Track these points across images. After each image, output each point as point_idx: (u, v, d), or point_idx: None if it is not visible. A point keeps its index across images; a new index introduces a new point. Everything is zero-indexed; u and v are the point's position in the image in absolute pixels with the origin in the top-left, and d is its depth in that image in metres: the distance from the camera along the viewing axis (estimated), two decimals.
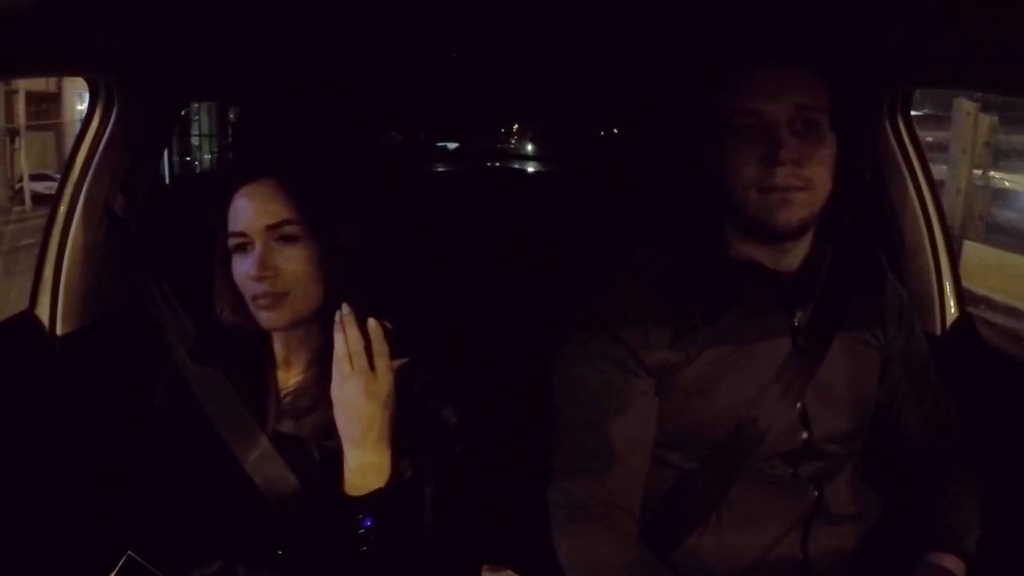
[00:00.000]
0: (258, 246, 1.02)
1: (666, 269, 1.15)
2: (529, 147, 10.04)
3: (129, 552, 0.92)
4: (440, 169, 5.74)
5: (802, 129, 1.07)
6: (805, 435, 1.13)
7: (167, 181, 3.04)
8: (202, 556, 1.03)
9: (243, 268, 1.03)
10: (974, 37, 1.04)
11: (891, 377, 1.23)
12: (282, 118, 2.28)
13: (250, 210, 1.03)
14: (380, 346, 0.98)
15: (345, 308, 0.98)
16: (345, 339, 0.97)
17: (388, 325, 0.99)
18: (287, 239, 1.03)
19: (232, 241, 1.05)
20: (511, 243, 2.79)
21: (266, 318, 1.04)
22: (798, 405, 1.13)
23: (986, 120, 6.01)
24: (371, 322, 0.98)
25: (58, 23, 1.06)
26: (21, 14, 0.92)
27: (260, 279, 1.01)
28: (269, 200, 1.03)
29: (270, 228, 1.02)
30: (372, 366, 0.97)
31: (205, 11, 1.30)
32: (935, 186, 1.55)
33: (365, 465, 0.98)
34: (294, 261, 1.03)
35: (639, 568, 1.06)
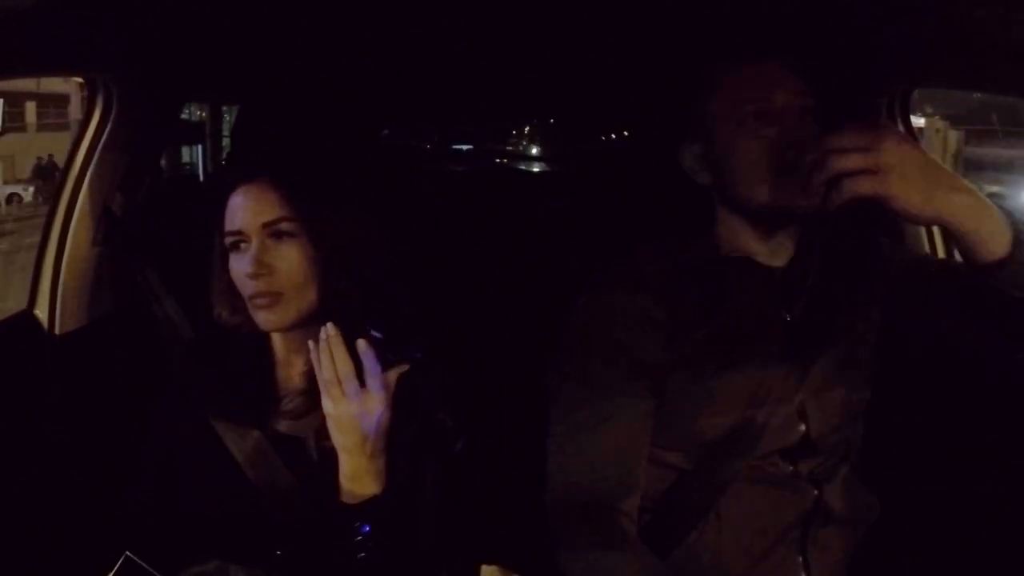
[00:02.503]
0: (254, 243, 1.02)
1: (663, 270, 1.15)
2: (535, 149, 10.13)
3: (127, 553, 0.92)
4: (453, 168, 5.77)
5: (805, 116, 1.09)
6: (803, 429, 1.13)
7: (201, 179, 3.05)
8: (200, 556, 1.03)
9: (240, 267, 1.03)
10: (974, 37, 1.04)
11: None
12: (282, 118, 2.28)
13: (246, 208, 1.03)
14: (371, 365, 0.95)
15: (330, 328, 0.95)
16: (332, 363, 0.94)
17: (377, 335, 0.96)
18: (282, 235, 1.02)
19: (229, 240, 1.05)
20: (511, 243, 2.79)
21: (264, 319, 1.03)
22: (795, 399, 1.13)
23: (954, 135, 6.17)
24: (361, 344, 0.94)
25: (58, 23, 1.06)
26: (21, 14, 0.91)
27: (256, 277, 1.01)
28: (265, 198, 1.03)
29: (266, 225, 1.02)
30: (363, 384, 0.95)
31: (205, 11, 1.30)
32: None
33: (361, 473, 0.97)
34: (289, 259, 1.02)
35: (638, 568, 1.06)
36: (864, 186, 0.90)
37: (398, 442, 1.01)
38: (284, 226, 1.02)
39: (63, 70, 1.36)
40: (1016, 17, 0.92)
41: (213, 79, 2.07)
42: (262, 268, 1.01)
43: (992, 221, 0.94)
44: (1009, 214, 0.96)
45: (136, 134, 1.50)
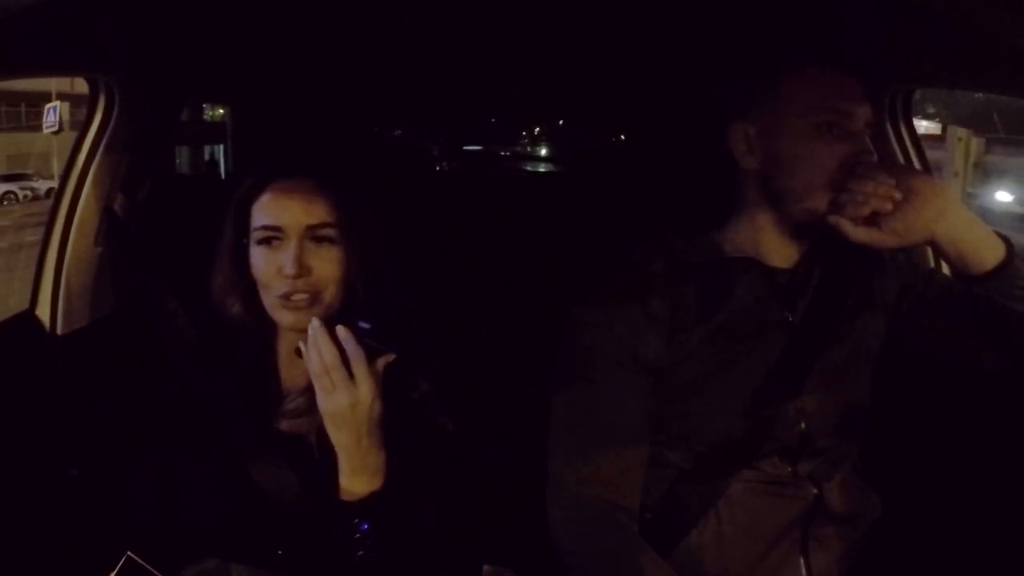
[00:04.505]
0: (294, 243, 1.02)
1: (665, 268, 1.15)
2: (544, 151, 10.18)
3: (129, 552, 0.92)
4: (460, 169, 5.81)
5: (869, 139, 1.09)
6: (803, 429, 1.13)
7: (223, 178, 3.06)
8: (201, 555, 1.03)
9: (272, 264, 1.03)
10: (974, 37, 1.04)
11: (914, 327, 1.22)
12: (288, 118, 2.29)
13: (289, 206, 1.03)
14: (355, 353, 0.95)
15: (315, 322, 0.96)
16: (320, 354, 0.95)
17: (365, 326, 0.97)
18: (323, 240, 1.03)
19: (259, 235, 1.04)
20: (515, 244, 2.79)
21: (293, 320, 1.04)
22: (795, 400, 1.13)
23: (976, 142, 6.19)
24: (340, 330, 0.95)
25: (58, 23, 1.06)
26: (21, 14, 0.92)
27: (297, 277, 1.01)
28: (310, 199, 1.03)
29: (310, 227, 1.03)
30: (352, 375, 0.95)
31: (206, 11, 1.30)
32: None
33: (359, 469, 0.98)
34: (327, 261, 1.03)
35: (639, 566, 1.06)
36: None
37: (399, 443, 1.01)
38: (327, 231, 1.03)
39: (63, 70, 1.36)
40: (1016, 18, 0.92)
41: (216, 79, 2.08)
42: (302, 269, 1.01)
43: (985, 233, 1.02)
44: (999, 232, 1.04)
45: (138, 134, 1.50)
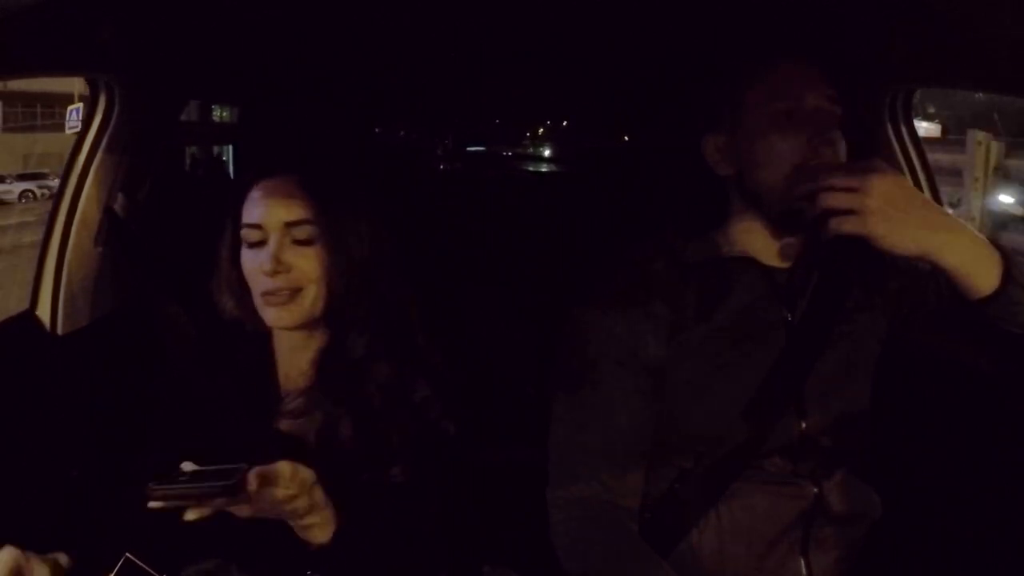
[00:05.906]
0: (272, 241, 1.03)
1: (665, 267, 1.15)
2: (547, 151, 10.22)
3: (127, 554, 0.92)
4: (464, 168, 5.83)
5: (833, 123, 1.09)
6: (802, 429, 1.13)
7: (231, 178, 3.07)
8: (201, 556, 1.03)
9: (255, 262, 1.04)
10: (974, 37, 1.04)
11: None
12: (289, 119, 2.29)
13: (269, 204, 1.04)
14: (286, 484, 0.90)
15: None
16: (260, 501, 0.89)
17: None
18: (302, 237, 1.04)
19: (245, 233, 1.05)
20: (514, 244, 2.79)
21: (275, 316, 1.04)
22: (795, 400, 1.13)
23: (995, 146, 6.10)
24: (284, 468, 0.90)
25: (58, 23, 1.06)
26: (21, 14, 0.92)
27: (273, 274, 1.02)
28: (290, 197, 1.04)
29: (288, 225, 1.03)
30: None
31: (206, 11, 1.30)
32: (935, 186, 1.55)
33: (310, 526, 0.94)
34: (307, 259, 1.03)
35: (639, 566, 1.06)
36: (847, 226, 0.95)
37: (400, 443, 1.01)
38: (306, 228, 1.04)
39: (63, 70, 1.36)
40: (1016, 17, 0.92)
41: (217, 79, 2.08)
42: (280, 266, 1.02)
43: (980, 258, 0.97)
44: (1003, 249, 0.98)
45: (138, 134, 1.50)
